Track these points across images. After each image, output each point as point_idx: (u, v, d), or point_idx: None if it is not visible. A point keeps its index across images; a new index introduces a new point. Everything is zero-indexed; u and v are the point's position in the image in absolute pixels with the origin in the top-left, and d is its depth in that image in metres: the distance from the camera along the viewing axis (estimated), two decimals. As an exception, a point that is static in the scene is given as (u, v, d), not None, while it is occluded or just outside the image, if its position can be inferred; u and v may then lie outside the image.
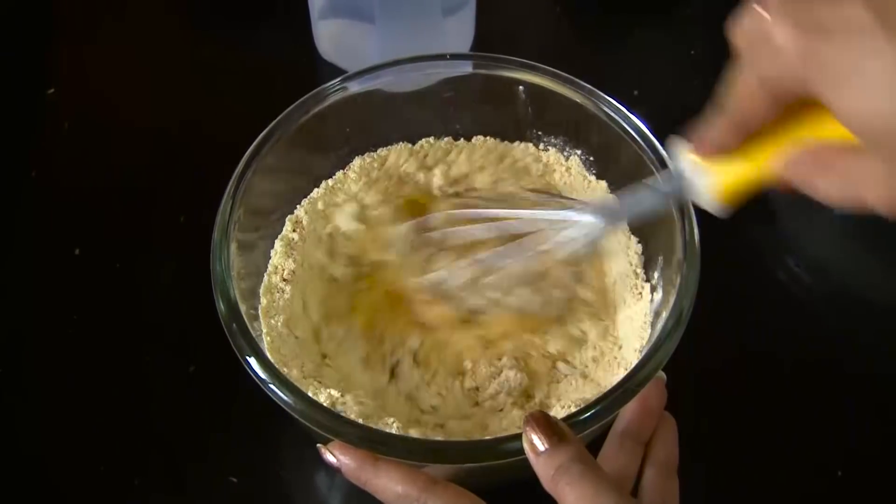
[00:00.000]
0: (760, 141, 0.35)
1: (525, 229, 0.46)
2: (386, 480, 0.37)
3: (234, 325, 0.42)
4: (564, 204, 0.47)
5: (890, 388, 0.55)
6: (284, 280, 0.49)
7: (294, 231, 0.51)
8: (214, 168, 0.47)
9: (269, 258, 0.50)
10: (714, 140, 0.36)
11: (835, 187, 0.32)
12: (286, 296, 0.49)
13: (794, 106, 0.33)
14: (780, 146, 0.34)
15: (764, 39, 0.30)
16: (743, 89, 0.33)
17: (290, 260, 0.50)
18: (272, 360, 0.43)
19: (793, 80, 0.30)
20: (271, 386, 0.40)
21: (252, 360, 0.40)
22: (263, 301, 0.48)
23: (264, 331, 0.47)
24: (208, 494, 0.50)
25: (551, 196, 0.52)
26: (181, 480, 0.51)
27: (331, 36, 0.68)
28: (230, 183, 0.46)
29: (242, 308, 0.43)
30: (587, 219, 0.44)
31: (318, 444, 0.39)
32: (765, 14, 0.30)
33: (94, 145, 0.66)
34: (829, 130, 0.33)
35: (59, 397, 0.54)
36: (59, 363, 0.55)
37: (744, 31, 0.32)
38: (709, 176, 0.38)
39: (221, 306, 0.42)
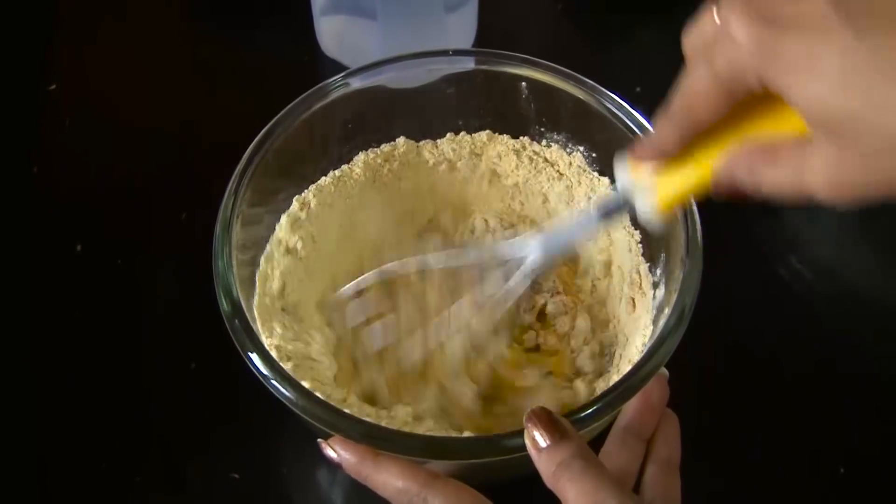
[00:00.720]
0: (702, 146, 0.35)
1: (462, 275, 0.46)
2: (386, 475, 0.37)
3: (236, 321, 0.42)
4: (496, 246, 0.46)
5: (891, 386, 0.55)
6: (288, 251, 0.49)
7: (302, 210, 0.51)
8: (216, 165, 0.47)
9: (274, 231, 0.50)
10: (658, 142, 0.36)
11: (783, 177, 0.32)
12: (284, 268, 0.49)
13: (737, 110, 0.33)
14: (722, 148, 0.34)
15: (722, 36, 0.31)
16: (694, 87, 0.33)
17: (296, 236, 0.50)
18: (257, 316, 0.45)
19: (749, 71, 0.30)
20: (273, 382, 0.40)
21: (254, 356, 0.40)
22: (262, 266, 0.48)
23: (256, 298, 0.46)
24: (209, 491, 0.50)
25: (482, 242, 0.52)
26: (182, 477, 0.51)
27: (333, 32, 0.68)
28: (232, 179, 0.46)
29: (240, 289, 0.43)
30: (525, 253, 0.44)
31: (319, 440, 0.39)
32: (724, 12, 0.31)
33: (96, 142, 0.66)
34: (772, 128, 0.33)
35: (60, 395, 0.54)
36: (59, 360, 0.55)
37: (699, 32, 0.33)
38: (648, 191, 0.38)
39: (223, 302, 0.42)
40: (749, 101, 0.32)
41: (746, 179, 0.33)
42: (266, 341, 0.45)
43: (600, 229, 0.41)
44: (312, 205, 0.51)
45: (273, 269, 0.48)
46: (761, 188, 0.33)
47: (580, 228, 0.42)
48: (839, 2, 0.28)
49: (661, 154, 0.36)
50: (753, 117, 0.34)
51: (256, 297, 0.46)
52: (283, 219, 0.50)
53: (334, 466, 0.38)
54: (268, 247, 0.49)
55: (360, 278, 0.48)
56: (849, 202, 0.30)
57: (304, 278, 0.50)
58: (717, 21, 0.31)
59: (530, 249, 0.44)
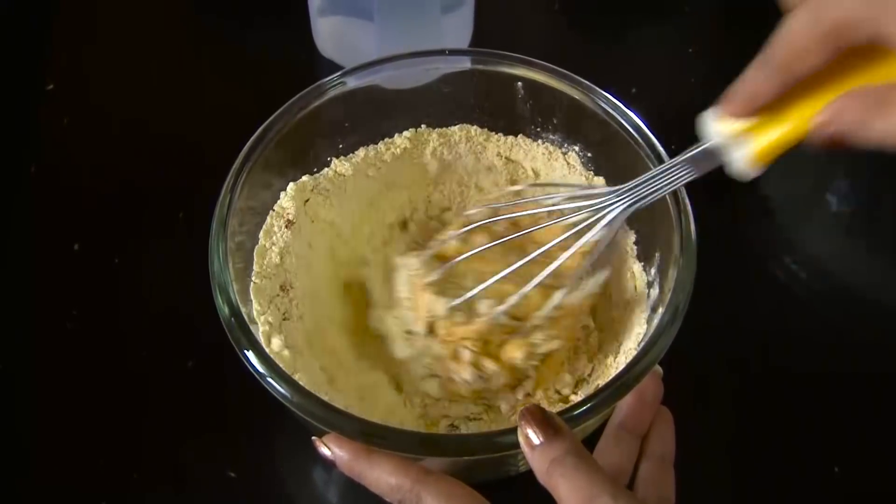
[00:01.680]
0: (798, 96, 0.34)
1: (543, 231, 0.45)
2: (379, 472, 0.37)
3: (232, 319, 0.42)
4: (579, 193, 0.46)
5: (887, 385, 0.55)
6: (289, 222, 0.49)
7: (312, 190, 0.51)
8: (213, 164, 0.47)
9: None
10: (753, 93, 0.35)
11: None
12: (283, 245, 0.49)
13: (836, 61, 0.32)
14: (823, 99, 0.34)
15: None
16: (796, 37, 0.32)
17: (296, 209, 0.50)
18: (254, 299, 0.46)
19: (860, 20, 0.30)
20: (269, 380, 0.40)
21: (250, 354, 0.40)
22: (261, 241, 0.48)
23: (254, 271, 0.47)
24: (207, 489, 0.51)
25: (565, 186, 0.51)
26: (180, 475, 0.51)
27: (330, 33, 0.68)
28: (228, 177, 0.46)
29: (236, 283, 0.44)
30: (609, 203, 0.43)
31: (313, 437, 0.39)
32: None
33: (94, 141, 0.66)
34: (874, 79, 0.33)
35: (58, 392, 0.54)
36: (58, 358, 0.55)
37: None
38: (742, 143, 0.37)
39: (219, 300, 0.42)
40: (848, 52, 0.32)
41: (854, 130, 0.33)
42: (257, 313, 0.45)
43: (687, 182, 0.41)
44: (312, 194, 0.52)
45: (272, 244, 0.49)
46: (869, 139, 0.32)
47: (667, 181, 0.42)
48: None
49: (754, 105, 0.35)
50: (853, 68, 0.33)
51: (253, 275, 0.47)
52: (290, 186, 0.50)
53: (328, 464, 0.39)
54: (267, 219, 0.49)
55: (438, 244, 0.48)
56: None
57: (303, 253, 0.50)
58: None
59: (614, 200, 0.43)
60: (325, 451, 0.38)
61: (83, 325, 0.56)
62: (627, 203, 0.43)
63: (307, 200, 0.51)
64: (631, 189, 0.43)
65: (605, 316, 0.51)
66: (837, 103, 0.33)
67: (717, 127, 0.38)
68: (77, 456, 0.51)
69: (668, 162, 0.41)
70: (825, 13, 0.31)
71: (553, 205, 0.47)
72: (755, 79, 0.35)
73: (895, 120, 0.31)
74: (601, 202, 0.44)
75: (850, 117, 0.33)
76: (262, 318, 0.46)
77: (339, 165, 0.53)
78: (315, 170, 0.52)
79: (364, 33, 0.64)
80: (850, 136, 0.33)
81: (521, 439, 0.36)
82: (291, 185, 0.50)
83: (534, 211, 0.48)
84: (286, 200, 0.50)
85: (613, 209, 0.43)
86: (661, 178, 0.42)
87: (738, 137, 0.37)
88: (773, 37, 0.33)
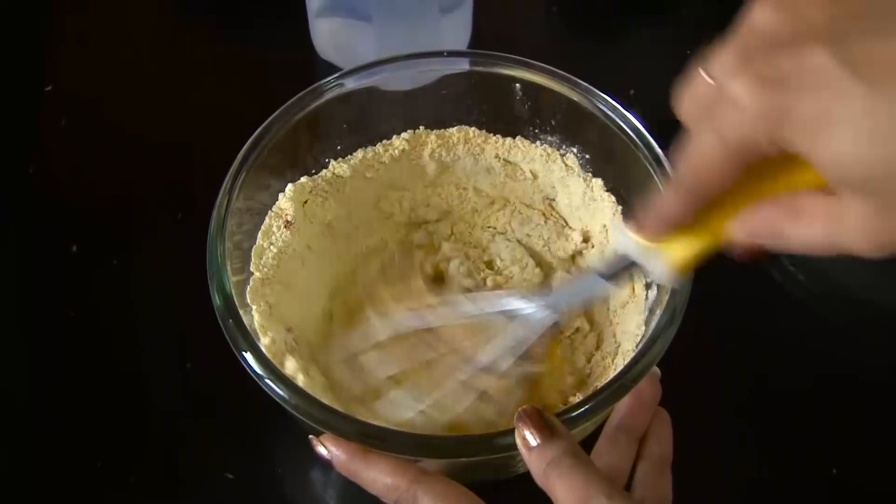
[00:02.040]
0: (713, 208, 0.33)
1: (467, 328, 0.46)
2: (376, 472, 0.37)
3: (230, 319, 0.42)
4: (499, 304, 0.45)
5: (885, 385, 0.55)
6: (287, 223, 0.49)
7: (311, 192, 0.51)
8: (211, 165, 0.47)
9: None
10: (667, 215, 0.34)
11: (813, 235, 0.31)
12: (282, 245, 0.49)
13: (748, 170, 0.31)
14: (736, 210, 0.33)
15: (723, 101, 0.29)
16: (701, 156, 0.31)
17: (294, 210, 0.50)
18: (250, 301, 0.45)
19: (762, 137, 0.29)
20: (267, 381, 0.40)
21: (248, 355, 0.40)
22: (259, 241, 0.48)
23: (253, 273, 0.47)
24: (204, 490, 0.51)
25: (483, 298, 0.50)
26: (177, 476, 0.51)
27: (328, 34, 0.68)
28: (226, 179, 0.46)
29: (234, 285, 0.43)
30: (528, 313, 0.43)
31: (310, 436, 0.39)
32: (720, 76, 0.29)
33: (92, 142, 0.66)
34: (787, 185, 0.32)
35: (55, 394, 0.54)
36: (55, 360, 0.55)
37: (694, 96, 0.31)
38: (659, 255, 0.37)
39: (217, 301, 0.42)
40: (759, 161, 0.30)
41: (769, 240, 0.32)
42: (256, 317, 0.45)
43: (606, 295, 0.42)
44: (311, 195, 0.51)
45: (270, 244, 0.49)
46: (787, 247, 0.32)
47: (590, 292, 0.42)
48: (839, 53, 0.27)
49: (669, 227, 0.35)
50: (766, 175, 0.32)
51: (251, 280, 0.47)
52: (288, 188, 0.50)
53: (325, 464, 0.39)
54: (266, 220, 0.49)
55: (370, 330, 0.47)
56: (892, 255, 0.29)
57: (301, 254, 0.50)
58: (711, 82, 0.30)
59: (539, 309, 0.43)
60: (322, 450, 0.38)
61: (81, 326, 0.56)
62: (548, 319, 0.43)
63: (306, 202, 0.51)
64: (548, 304, 0.43)
65: (603, 317, 0.51)
66: (749, 219, 0.33)
67: (633, 240, 0.37)
68: (74, 458, 0.51)
69: (584, 275, 0.42)
70: (723, 129, 0.29)
71: (470, 315, 0.46)
72: (667, 203, 0.34)
73: (806, 228, 0.31)
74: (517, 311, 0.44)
75: (764, 231, 0.32)
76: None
77: (338, 167, 0.53)
78: (313, 171, 0.52)
79: (362, 35, 0.64)
80: (769, 246, 0.33)
81: (518, 441, 0.36)
82: (290, 186, 0.50)
83: (451, 324, 0.47)
84: (285, 201, 0.50)
85: (531, 328, 0.43)
86: (577, 294, 0.43)
87: (655, 250, 0.37)
88: (680, 158, 0.32)
